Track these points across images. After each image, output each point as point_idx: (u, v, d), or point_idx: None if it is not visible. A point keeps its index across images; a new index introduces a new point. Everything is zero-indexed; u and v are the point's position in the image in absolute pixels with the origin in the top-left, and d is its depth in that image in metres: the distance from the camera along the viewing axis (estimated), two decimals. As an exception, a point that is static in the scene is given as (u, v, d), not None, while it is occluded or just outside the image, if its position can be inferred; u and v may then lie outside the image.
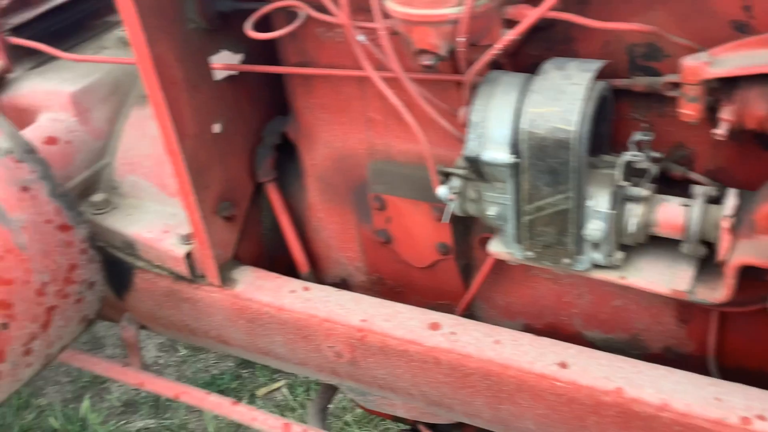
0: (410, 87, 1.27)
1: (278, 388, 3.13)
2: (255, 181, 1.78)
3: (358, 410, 2.92)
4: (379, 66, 1.34)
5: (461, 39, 1.14)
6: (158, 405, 3.13)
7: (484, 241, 1.59)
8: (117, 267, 1.84)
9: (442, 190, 1.35)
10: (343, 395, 2.74)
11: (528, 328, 1.66)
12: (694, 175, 1.31)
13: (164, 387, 1.96)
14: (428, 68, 1.19)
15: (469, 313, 1.69)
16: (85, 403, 3.10)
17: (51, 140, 1.83)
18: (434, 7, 1.13)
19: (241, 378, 3.22)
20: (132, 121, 1.93)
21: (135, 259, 1.81)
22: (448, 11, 1.13)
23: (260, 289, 1.69)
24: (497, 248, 1.39)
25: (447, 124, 1.31)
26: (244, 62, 1.67)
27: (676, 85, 1.17)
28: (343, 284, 1.85)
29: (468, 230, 1.60)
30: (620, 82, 1.27)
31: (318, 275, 1.87)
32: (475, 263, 1.65)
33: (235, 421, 3.01)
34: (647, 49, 1.26)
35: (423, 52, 1.18)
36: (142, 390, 3.20)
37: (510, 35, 1.15)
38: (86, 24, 2.20)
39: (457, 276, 1.65)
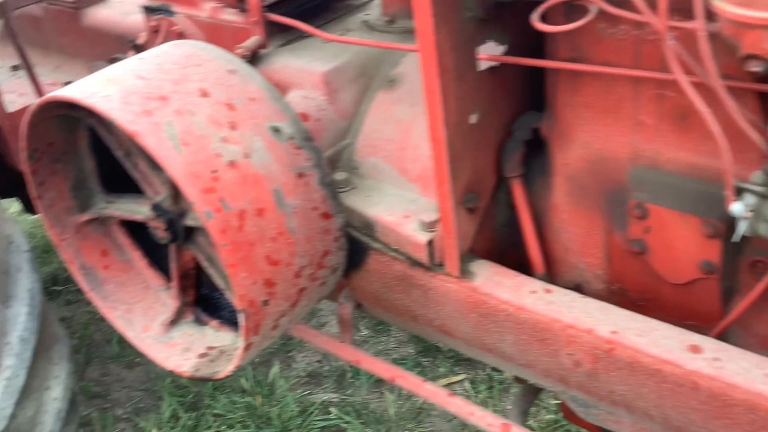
0: (723, 94, 1.18)
1: (459, 381, 3.12)
2: (498, 175, 1.75)
3: (545, 417, 2.85)
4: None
5: (804, 46, 1.04)
6: (341, 381, 3.21)
7: (755, 265, 1.48)
8: (350, 246, 1.87)
9: (736, 207, 1.25)
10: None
11: (791, 364, 1.52)
12: None
13: (380, 368, 1.98)
14: (754, 75, 1.10)
15: (721, 339, 1.58)
16: (274, 369, 3.23)
17: (303, 116, 1.88)
18: (779, 10, 1.04)
19: (421, 366, 3.23)
20: (377, 105, 1.95)
21: (371, 240, 1.83)
22: (796, 15, 1.03)
23: (499, 285, 1.66)
24: (790, 276, 1.28)
25: (757, 136, 1.21)
26: (506, 54, 1.64)
27: None
28: (576, 290, 1.78)
29: (739, 251, 1.48)
30: None
31: (549, 278, 1.81)
32: (738, 287, 1.53)
33: (416, 408, 3.06)
34: None
35: (753, 57, 1.08)
36: (325, 363, 3.32)
37: None
38: (331, 5, 2.26)
39: (716, 298, 1.54)
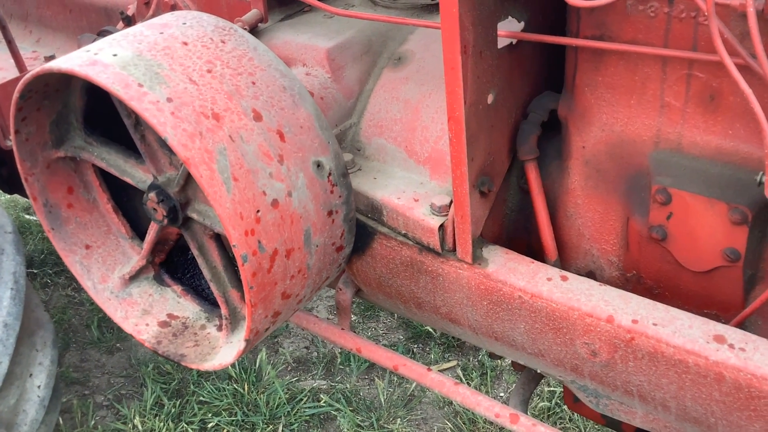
0: (768, 74, 1.13)
1: (450, 368, 3.07)
2: (511, 157, 1.69)
3: (540, 404, 2.81)
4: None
5: None
6: (330, 367, 3.15)
7: (781, 253, 1.44)
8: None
9: (775, 192, 1.21)
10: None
11: (812, 354, 1.49)
12: None
13: (382, 356, 1.92)
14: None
15: (741, 329, 1.54)
16: (261, 355, 3.16)
17: (306, 95, 1.80)
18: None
19: (411, 352, 3.18)
20: (383, 83, 1.88)
21: (378, 224, 1.77)
22: None
23: (514, 271, 1.61)
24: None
25: (800, 119, 1.16)
26: (524, 31, 1.57)
27: None
28: (588, 277, 1.73)
29: (764, 238, 1.45)
30: None
31: (561, 264, 1.76)
32: (761, 275, 1.49)
33: (407, 395, 3.01)
34: None
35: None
36: (313, 350, 3.26)
37: None
38: (331, -20, 2.18)
39: (739, 286, 1.50)
